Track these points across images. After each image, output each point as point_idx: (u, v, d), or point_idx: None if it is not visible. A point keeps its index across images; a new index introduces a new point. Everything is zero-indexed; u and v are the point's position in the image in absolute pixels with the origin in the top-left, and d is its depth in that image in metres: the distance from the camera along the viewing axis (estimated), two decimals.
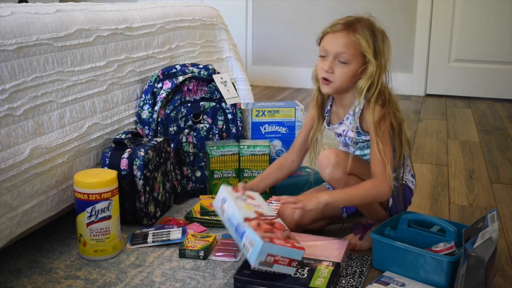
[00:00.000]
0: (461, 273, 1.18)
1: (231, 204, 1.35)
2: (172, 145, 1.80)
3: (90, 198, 1.38)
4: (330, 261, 1.34)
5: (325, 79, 1.41)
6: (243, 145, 1.81)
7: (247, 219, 1.30)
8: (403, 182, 1.52)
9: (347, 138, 1.49)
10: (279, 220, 1.39)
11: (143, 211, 1.60)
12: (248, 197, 1.45)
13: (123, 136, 1.63)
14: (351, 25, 1.40)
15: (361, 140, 1.47)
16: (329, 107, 1.54)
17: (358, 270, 1.38)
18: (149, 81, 1.82)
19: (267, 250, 1.22)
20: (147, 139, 1.70)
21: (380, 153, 1.38)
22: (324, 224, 1.61)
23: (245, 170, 1.82)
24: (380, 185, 1.38)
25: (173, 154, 1.81)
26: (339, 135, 1.52)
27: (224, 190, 1.42)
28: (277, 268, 1.26)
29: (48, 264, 1.40)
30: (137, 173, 1.57)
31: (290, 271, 1.28)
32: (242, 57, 3.82)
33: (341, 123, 1.49)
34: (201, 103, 1.86)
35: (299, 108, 1.98)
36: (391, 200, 1.50)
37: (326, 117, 1.54)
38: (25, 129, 1.34)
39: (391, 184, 1.39)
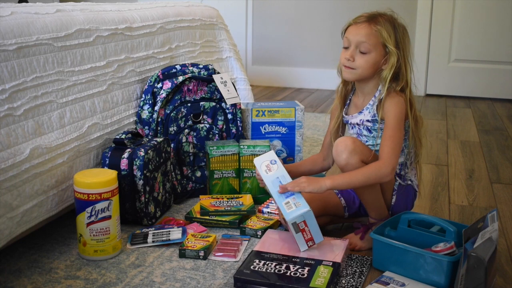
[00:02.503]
0: (461, 273, 1.18)
1: (281, 167, 1.48)
2: (172, 145, 1.80)
3: (90, 198, 1.38)
4: (330, 261, 1.34)
5: (346, 66, 1.47)
6: (243, 145, 1.81)
7: None
8: (409, 183, 1.52)
9: (362, 127, 1.52)
10: None
11: (143, 211, 1.60)
12: None
13: (123, 136, 1.63)
14: (373, 17, 1.45)
15: (375, 128, 1.49)
16: (349, 99, 1.59)
17: (358, 270, 1.38)
18: (149, 81, 1.82)
19: (307, 217, 1.37)
20: (147, 139, 1.70)
21: (391, 139, 1.43)
22: (325, 221, 1.61)
23: (245, 170, 1.82)
24: (384, 166, 1.41)
25: (173, 154, 1.81)
26: (353, 126, 1.55)
27: (274, 154, 1.52)
28: (297, 237, 1.39)
29: (48, 264, 1.40)
30: (137, 173, 1.57)
31: (304, 247, 1.40)
32: (242, 57, 3.82)
33: (360, 112, 1.52)
34: (201, 103, 1.86)
35: (299, 108, 1.98)
36: (394, 197, 1.51)
37: (345, 107, 1.59)
38: (25, 129, 1.34)
39: (394, 166, 1.42)
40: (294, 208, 1.38)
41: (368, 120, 1.50)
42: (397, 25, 1.46)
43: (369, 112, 1.49)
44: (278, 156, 1.99)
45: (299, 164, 1.69)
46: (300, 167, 1.66)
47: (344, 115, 1.58)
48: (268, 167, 1.49)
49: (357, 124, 1.53)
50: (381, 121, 1.47)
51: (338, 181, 1.42)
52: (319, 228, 1.39)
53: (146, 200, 1.60)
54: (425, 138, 1.53)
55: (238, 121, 1.93)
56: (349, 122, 1.56)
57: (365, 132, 1.52)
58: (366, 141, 1.52)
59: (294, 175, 1.60)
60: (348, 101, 1.59)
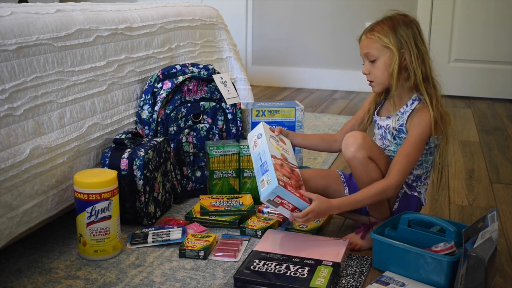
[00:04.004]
0: (461, 273, 1.18)
1: (264, 141, 1.46)
2: (172, 145, 1.80)
3: (90, 198, 1.38)
4: (330, 261, 1.34)
5: (368, 81, 1.52)
6: (243, 145, 1.81)
7: (274, 157, 1.41)
8: (416, 194, 1.52)
9: (387, 131, 1.53)
10: (298, 170, 1.50)
11: (143, 211, 1.60)
12: (280, 140, 1.55)
13: (123, 136, 1.63)
14: (370, 28, 1.50)
15: (400, 137, 1.50)
16: (383, 101, 1.60)
17: (358, 270, 1.38)
18: (149, 81, 1.82)
19: (278, 192, 1.34)
20: (147, 139, 1.70)
21: (407, 157, 1.43)
22: None
23: (245, 170, 1.82)
24: (391, 186, 1.42)
25: (173, 154, 1.81)
26: (380, 127, 1.56)
27: (261, 126, 1.52)
28: (280, 209, 1.38)
29: (48, 264, 1.40)
30: (137, 173, 1.57)
31: (288, 214, 1.39)
32: (242, 57, 3.82)
33: (389, 117, 1.53)
34: (201, 103, 1.86)
35: (299, 108, 1.98)
36: (397, 204, 1.51)
37: (378, 108, 1.60)
38: (25, 129, 1.34)
39: (400, 184, 1.44)
40: (266, 186, 1.36)
41: (394, 128, 1.51)
42: (396, 23, 1.46)
43: (398, 120, 1.50)
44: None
45: (307, 136, 1.72)
46: (307, 139, 1.69)
47: (375, 114, 1.59)
48: (255, 143, 1.49)
49: (383, 127, 1.54)
50: (407, 132, 1.48)
51: (344, 205, 1.43)
52: (299, 196, 1.36)
53: (146, 200, 1.60)
54: (452, 137, 1.53)
55: (238, 121, 1.93)
56: (377, 122, 1.58)
57: (389, 137, 1.53)
58: (388, 146, 1.53)
59: (297, 145, 1.68)
60: (383, 101, 1.60)
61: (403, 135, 1.49)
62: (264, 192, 1.36)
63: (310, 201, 1.39)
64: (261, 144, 1.46)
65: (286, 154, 1.51)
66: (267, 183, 1.36)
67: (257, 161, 1.44)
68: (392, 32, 1.45)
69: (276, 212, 1.66)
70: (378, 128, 1.57)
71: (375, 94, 1.59)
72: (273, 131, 1.58)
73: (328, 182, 1.60)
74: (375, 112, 1.60)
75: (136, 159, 1.57)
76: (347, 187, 1.60)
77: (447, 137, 1.50)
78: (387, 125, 1.53)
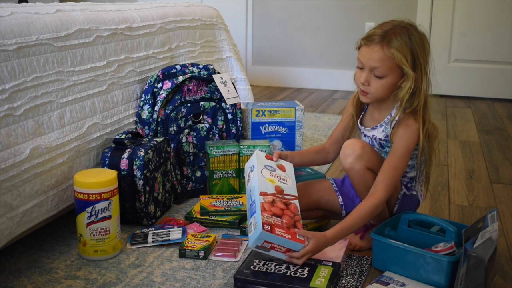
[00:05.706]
0: (461, 273, 1.18)
1: (255, 176, 1.37)
2: (172, 145, 1.80)
3: (90, 198, 1.38)
4: (330, 261, 1.34)
5: (362, 90, 1.43)
6: (243, 145, 1.81)
7: (263, 193, 1.33)
8: (414, 193, 1.52)
9: (374, 141, 1.49)
10: (296, 202, 1.39)
11: (143, 211, 1.60)
12: (279, 167, 1.45)
13: (123, 136, 1.63)
14: (385, 37, 1.36)
15: (388, 145, 1.47)
16: (366, 107, 1.55)
17: (358, 270, 1.38)
18: (149, 81, 1.82)
19: (264, 237, 1.27)
20: (147, 139, 1.70)
21: (394, 169, 1.39)
22: (319, 215, 1.61)
23: None
24: (379, 203, 1.37)
25: (173, 154, 1.81)
26: (365, 135, 1.53)
27: (255, 157, 1.42)
28: (273, 253, 1.32)
29: (48, 264, 1.40)
30: (137, 173, 1.57)
31: (284, 257, 1.33)
32: (242, 57, 3.82)
33: (374, 128, 1.49)
34: (201, 103, 1.86)
35: (299, 108, 1.98)
36: (397, 206, 1.50)
37: (360, 116, 1.55)
38: (25, 129, 1.34)
39: (388, 196, 1.40)
40: (253, 231, 1.29)
41: (380, 138, 1.48)
42: (413, 38, 1.37)
43: (383, 131, 1.46)
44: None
45: (303, 154, 1.62)
46: (304, 157, 1.60)
47: (359, 124, 1.55)
48: (249, 176, 1.41)
49: (369, 137, 1.51)
50: (391, 142, 1.44)
51: (340, 234, 1.36)
52: (291, 238, 1.29)
53: (146, 200, 1.60)
54: (437, 150, 1.48)
55: (238, 121, 1.93)
56: (362, 131, 1.54)
57: (377, 146, 1.50)
58: None
59: (297, 164, 1.57)
60: (366, 107, 1.55)
61: (390, 144, 1.45)
62: (251, 238, 1.29)
63: (306, 239, 1.31)
64: (252, 178, 1.38)
65: (284, 185, 1.40)
66: (254, 228, 1.29)
67: (248, 199, 1.38)
68: (409, 49, 1.35)
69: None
70: (364, 136, 1.53)
71: (356, 98, 1.52)
72: (271, 158, 1.46)
73: (320, 194, 1.58)
74: (360, 122, 1.55)
75: (136, 159, 1.57)
76: (340, 196, 1.59)
77: (430, 153, 1.46)
78: (373, 135, 1.49)
